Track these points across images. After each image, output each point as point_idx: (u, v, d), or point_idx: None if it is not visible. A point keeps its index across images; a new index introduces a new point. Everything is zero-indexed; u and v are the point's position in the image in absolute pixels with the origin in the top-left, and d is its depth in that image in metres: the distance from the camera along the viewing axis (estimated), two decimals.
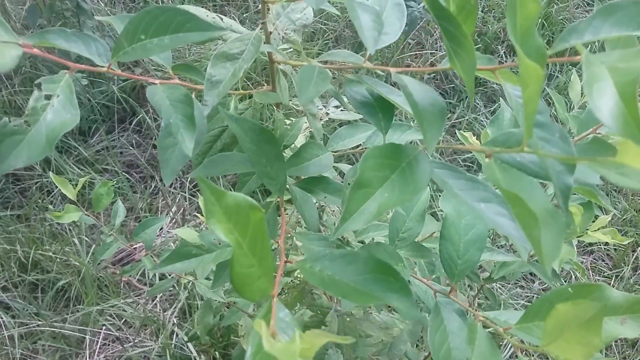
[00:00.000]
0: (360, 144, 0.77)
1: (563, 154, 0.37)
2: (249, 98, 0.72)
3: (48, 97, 0.39)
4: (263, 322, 0.26)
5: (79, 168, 2.19)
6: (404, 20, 0.55)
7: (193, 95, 0.52)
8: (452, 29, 0.40)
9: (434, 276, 0.77)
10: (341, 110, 0.89)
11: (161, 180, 2.25)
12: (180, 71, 0.57)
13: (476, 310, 0.58)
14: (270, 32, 0.63)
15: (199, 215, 1.60)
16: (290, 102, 0.80)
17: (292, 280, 1.20)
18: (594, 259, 2.23)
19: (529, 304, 2.26)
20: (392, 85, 0.60)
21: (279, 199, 0.59)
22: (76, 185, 1.15)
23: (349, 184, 0.54)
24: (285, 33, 0.61)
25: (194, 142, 0.44)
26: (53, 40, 0.45)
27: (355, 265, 0.40)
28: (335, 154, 0.73)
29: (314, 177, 0.65)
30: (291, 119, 0.83)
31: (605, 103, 0.29)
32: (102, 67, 0.45)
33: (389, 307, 1.28)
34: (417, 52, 2.76)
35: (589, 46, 2.55)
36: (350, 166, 0.74)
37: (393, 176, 0.41)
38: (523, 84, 0.30)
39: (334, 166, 0.73)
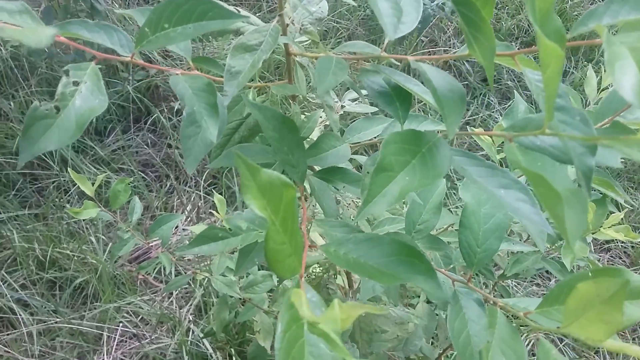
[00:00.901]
0: (377, 137, 0.77)
1: (584, 136, 0.37)
2: (264, 94, 0.72)
3: (76, 84, 0.40)
4: (302, 292, 0.26)
5: (95, 167, 2.22)
6: (420, 10, 0.55)
7: None
8: (470, 14, 0.40)
9: (451, 266, 0.78)
10: (356, 103, 0.90)
11: (176, 179, 2.27)
12: (199, 63, 0.58)
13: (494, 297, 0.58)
14: (287, 25, 0.64)
15: (214, 212, 1.61)
16: (308, 94, 0.80)
17: (307, 275, 1.21)
18: (611, 256, 2.21)
19: None
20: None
21: (298, 187, 0.60)
22: (94, 183, 1.16)
23: (367, 172, 0.55)
24: (302, 25, 0.62)
25: (217, 129, 0.45)
26: (76, 30, 0.46)
27: (379, 248, 0.40)
28: (351, 146, 0.74)
29: (332, 167, 0.66)
30: (305, 113, 0.84)
31: (628, 80, 0.29)
32: (126, 57, 0.46)
33: (405, 302, 1.28)
34: (430, 50, 2.76)
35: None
36: (364, 157, 0.75)
37: (414, 161, 0.41)
38: (543, 65, 0.31)
39: (350, 158, 0.73)
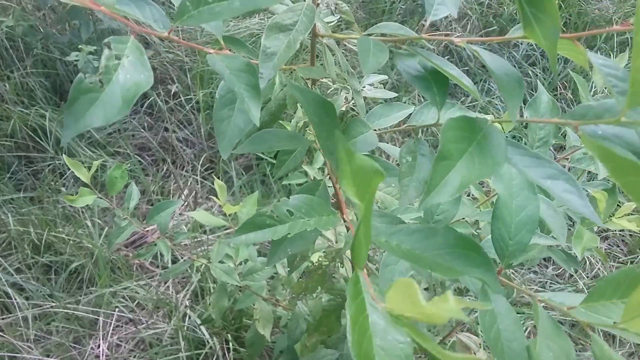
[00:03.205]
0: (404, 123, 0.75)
1: None
2: (290, 73, 0.70)
3: (118, 57, 0.37)
4: (413, 281, 0.24)
5: (90, 150, 2.17)
6: None
7: None
8: None
9: None
10: (375, 88, 0.87)
11: (173, 163, 2.24)
12: (228, 44, 0.55)
13: (534, 291, 0.56)
14: (318, 4, 0.61)
15: (213, 197, 1.58)
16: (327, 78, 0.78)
17: (312, 264, 1.19)
18: (609, 244, 2.22)
19: (542, 289, 2.24)
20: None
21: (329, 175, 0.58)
22: (89, 168, 1.12)
23: (405, 161, 0.53)
24: (336, 3, 0.59)
25: (259, 111, 0.42)
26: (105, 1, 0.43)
27: (434, 239, 0.38)
28: None
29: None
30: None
31: None
32: (163, 32, 0.43)
33: None
34: (430, 34, 2.73)
35: None
36: (389, 145, 0.73)
37: (470, 149, 0.39)
38: (637, 51, 0.28)
39: None
